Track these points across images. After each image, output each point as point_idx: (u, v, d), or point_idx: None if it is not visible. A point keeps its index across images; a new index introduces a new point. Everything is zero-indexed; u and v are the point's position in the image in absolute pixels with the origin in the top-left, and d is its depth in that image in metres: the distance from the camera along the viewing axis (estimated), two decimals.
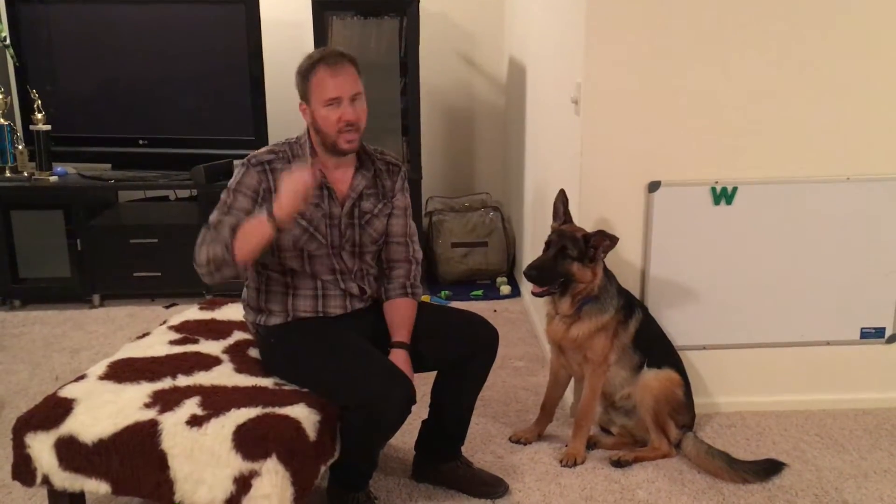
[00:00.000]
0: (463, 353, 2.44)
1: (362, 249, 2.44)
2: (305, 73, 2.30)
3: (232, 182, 2.32)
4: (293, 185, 2.11)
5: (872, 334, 3.07)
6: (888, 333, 3.07)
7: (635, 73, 2.79)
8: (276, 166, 2.32)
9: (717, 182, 2.88)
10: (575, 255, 2.63)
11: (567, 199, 2.77)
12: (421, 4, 4.23)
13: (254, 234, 2.15)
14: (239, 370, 2.40)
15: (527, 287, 4.31)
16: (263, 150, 2.38)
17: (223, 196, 2.32)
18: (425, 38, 4.33)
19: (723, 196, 2.89)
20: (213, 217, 2.29)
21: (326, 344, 2.30)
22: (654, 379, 2.74)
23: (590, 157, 2.86)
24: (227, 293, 4.00)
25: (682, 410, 2.77)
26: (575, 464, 2.72)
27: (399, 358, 2.34)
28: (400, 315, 2.44)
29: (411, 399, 2.18)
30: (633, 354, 2.76)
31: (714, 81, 2.81)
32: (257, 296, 2.39)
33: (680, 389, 2.77)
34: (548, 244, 2.69)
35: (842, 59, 2.81)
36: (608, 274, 2.74)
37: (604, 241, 2.63)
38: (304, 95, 2.32)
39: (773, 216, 2.93)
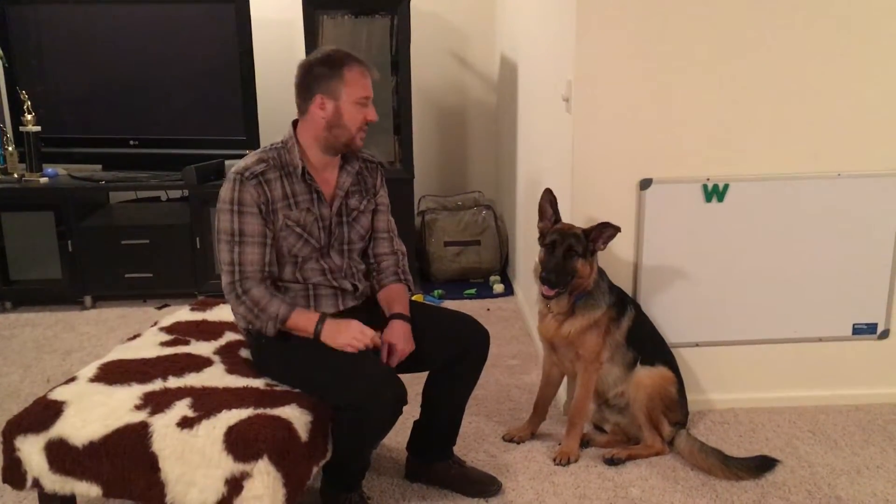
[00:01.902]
0: (454, 355, 2.44)
1: (350, 247, 2.44)
2: (336, 67, 2.26)
3: (228, 202, 2.23)
4: (355, 341, 2.21)
5: (864, 330, 3.07)
6: (880, 329, 3.07)
7: (626, 71, 2.79)
8: (270, 176, 2.28)
9: (708, 179, 2.89)
10: (580, 251, 2.63)
11: (555, 198, 2.73)
12: (412, 3, 4.22)
13: (299, 330, 2.26)
14: (230, 371, 2.39)
15: (520, 285, 4.32)
16: (252, 160, 2.30)
17: (225, 221, 2.23)
18: (416, 36, 4.32)
19: (714, 193, 2.89)
20: (226, 256, 2.24)
21: (318, 344, 2.29)
22: (647, 376, 2.74)
23: (581, 155, 2.86)
24: (219, 293, 4.00)
25: (675, 408, 2.77)
26: (568, 462, 2.72)
27: (400, 327, 2.35)
28: (395, 294, 2.47)
29: (402, 399, 2.17)
30: (627, 352, 2.76)
31: (705, 79, 2.81)
32: None
33: (673, 387, 2.77)
34: (553, 245, 2.65)
35: (833, 57, 2.82)
36: (599, 270, 2.74)
37: (604, 231, 2.62)
38: (331, 89, 2.26)
39: (764, 213, 2.93)
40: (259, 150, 2.37)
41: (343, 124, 2.29)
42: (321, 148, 2.34)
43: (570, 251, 2.63)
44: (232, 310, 2.32)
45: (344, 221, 2.42)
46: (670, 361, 2.82)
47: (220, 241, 2.27)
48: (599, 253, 2.77)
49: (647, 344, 2.80)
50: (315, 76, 2.28)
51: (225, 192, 2.26)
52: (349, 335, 2.22)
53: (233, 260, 2.24)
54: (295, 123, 2.39)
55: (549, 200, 2.73)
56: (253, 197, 2.24)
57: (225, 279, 2.27)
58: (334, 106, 2.28)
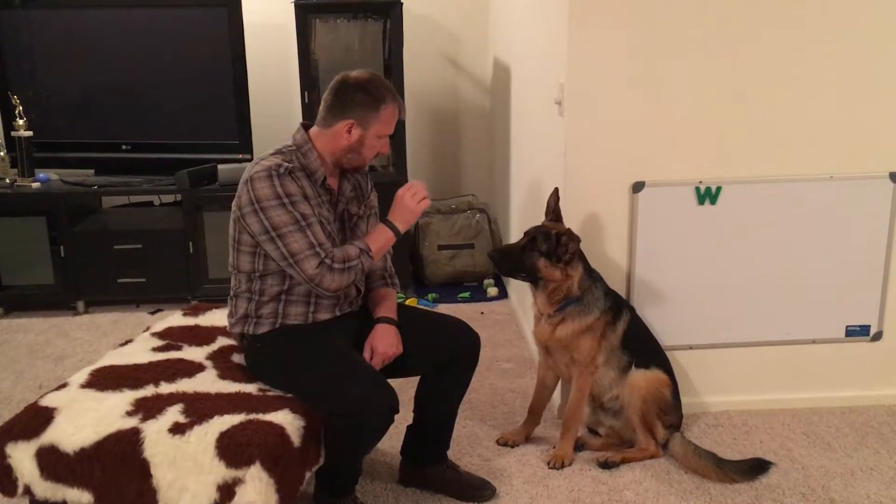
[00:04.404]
0: (445, 359, 2.44)
1: None
2: (377, 101, 2.30)
3: (275, 197, 2.20)
4: (417, 200, 2.37)
5: (857, 332, 3.08)
6: (873, 331, 3.08)
7: (618, 74, 2.79)
8: (298, 174, 2.28)
9: (701, 182, 2.89)
10: (544, 250, 2.63)
11: (558, 197, 2.78)
12: (405, 7, 4.22)
13: (383, 245, 2.37)
14: (223, 376, 2.38)
15: (514, 289, 4.31)
16: (277, 158, 2.28)
17: (282, 215, 2.19)
18: (410, 40, 4.32)
19: (707, 196, 2.90)
20: (301, 243, 2.19)
21: (312, 350, 2.29)
22: (642, 379, 2.74)
23: (574, 158, 2.86)
24: (212, 298, 3.99)
25: (669, 410, 2.77)
26: (562, 465, 2.71)
27: (383, 331, 2.38)
28: (381, 298, 2.50)
29: (394, 407, 2.17)
30: (622, 355, 2.76)
31: (698, 81, 2.81)
32: (247, 304, 2.36)
33: (667, 389, 2.77)
34: (524, 235, 2.72)
35: (825, 59, 2.82)
36: (593, 276, 2.73)
37: (569, 241, 2.62)
38: (364, 119, 2.30)
39: (757, 215, 2.93)
40: (274, 152, 2.33)
41: (361, 152, 2.35)
42: (331, 161, 2.37)
43: (533, 245, 2.65)
44: (330, 287, 2.24)
45: (346, 227, 2.44)
46: (665, 364, 2.82)
47: (282, 236, 2.20)
48: (595, 255, 2.77)
49: (641, 347, 2.80)
50: (354, 101, 2.30)
51: (265, 189, 2.21)
52: (412, 204, 2.36)
53: (311, 242, 2.21)
54: (304, 126, 2.38)
55: (554, 198, 2.79)
56: (295, 188, 2.24)
57: (311, 263, 2.20)
58: (360, 135, 2.32)
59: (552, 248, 2.63)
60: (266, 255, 2.28)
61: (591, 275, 2.73)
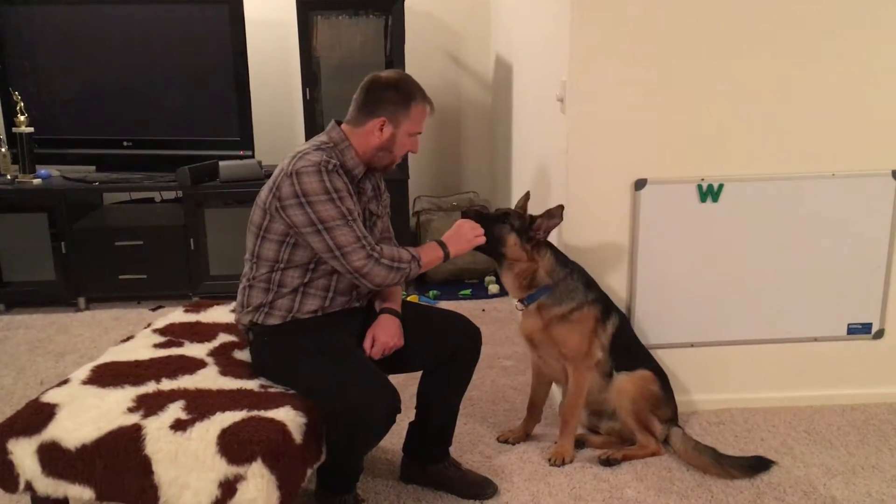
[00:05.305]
0: (446, 354, 2.45)
1: None
2: (407, 99, 2.34)
3: (324, 192, 2.21)
4: (474, 234, 2.49)
5: (859, 330, 3.07)
6: (875, 329, 3.07)
7: (621, 71, 2.79)
8: (340, 171, 2.30)
9: (703, 179, 2.88)
10: (516, 225, 2.65)
11: (528, 199, 2.81)
12: (406, 3, 4.22)
13: (433, 262, 2.43)
14: (224, 373, 2.38)
15: None
16: (321, 154, 2.27)
17: (330, 209, 2.21)
18: (411, 37, 4.32)
19: (709, 193, 2.89)
20: (349, 236, 2.22)
21: (317, 346, 2.29)
22: (628, 381, 2.72)
23: (576, 156, 2.86)
24: (213, 295, 3.99)
25: (661, 405, 2.75)
26: (563, 463, 2.71)
27: (386, 321, 2.40)
28: (388, 293, 2.52)
29: (395, 408, 2.17)
30: (608, 360, 2.74)
31: (700, 79, 2.80)
32: (264, 295, 2.35)
33: (655, 385, 2.74)
34: (496, 210, 2.77)
35: (826, 56, 2.82)
36: (569, 266, 2.71)
37: (549, 220, 2.64)
38: (395, 117, 2.34)
39: (759, 213, 2.93)
40: (313, 147, 2.32)
41: (392, 150, 2.38)
42: (365, 162, 2.39)
43: (506, 218, 2.66)
44: (374, 280, 2.28)
45: (367, 225, 2.45)
46: (648, 362, 2.79)
47: (330, 230, 2.21)
48: (596, 253, 2.76)
49: (626, 352, 2.77)
50: (384, 99, 2.34)
51: (314, 184, 2.21)
52: (470, 235, 2.47)
53: (358, 236, 2.24)
54: (338, 123, 2.40)
55: (523, 199, 2.82)
56: (342, 184, 2.27)
57: (358, 256, 2.23)
58: (392, 133, 2.35)
59: (524, 227, 2.64)
60: (294, 245, 2.29)
61: (567, 266, 2.71)
